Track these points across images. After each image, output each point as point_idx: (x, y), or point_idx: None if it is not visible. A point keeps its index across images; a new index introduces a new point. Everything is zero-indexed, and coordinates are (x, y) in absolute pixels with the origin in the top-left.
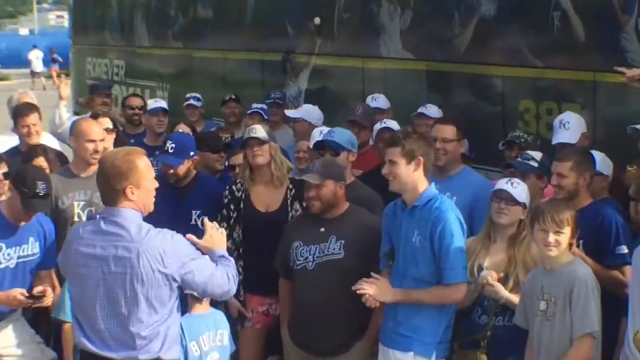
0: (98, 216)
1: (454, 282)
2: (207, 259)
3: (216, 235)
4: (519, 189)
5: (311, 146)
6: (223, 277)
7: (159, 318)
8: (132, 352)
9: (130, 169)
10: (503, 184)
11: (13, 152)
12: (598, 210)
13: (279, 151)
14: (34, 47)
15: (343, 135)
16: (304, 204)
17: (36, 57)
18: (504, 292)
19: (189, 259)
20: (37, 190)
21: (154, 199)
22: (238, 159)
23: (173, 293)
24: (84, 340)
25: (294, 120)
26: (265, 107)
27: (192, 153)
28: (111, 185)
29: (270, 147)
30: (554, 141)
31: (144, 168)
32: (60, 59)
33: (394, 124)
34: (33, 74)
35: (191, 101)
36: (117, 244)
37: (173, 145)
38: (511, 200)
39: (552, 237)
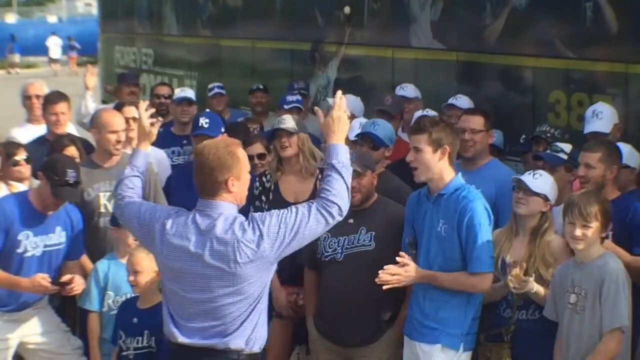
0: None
1: (480, 271)
2: (302, 216)
3: (342, 117)
4: (540, 180)
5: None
6: (322, 222)
7: (253, 307)
8: (224, 339)
9: (234, 160)
10: (525, 175)
11: (40, 141)
12: (628, 203)
13: (308, 142)
14: (53, 34)
15: (386, 129)
16: None
17: (54, 44)
18: (533, 284)
19: (285, 238)
20: (67, 178)
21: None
22: (254, 149)
23: (270, 273)
24: (175, 330)
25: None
26: (300, 98)
27: (222, 130)
28: (213, 177)
29: (299, 139)
30: (586, 130)
31: (244, 159)
32: (78, 46)
33: (433, 114)
34: (51, 60)
35: (216, 90)
36: (212, 237)
37: (207, 120)
38: (529, 191)
39: (578, 231)
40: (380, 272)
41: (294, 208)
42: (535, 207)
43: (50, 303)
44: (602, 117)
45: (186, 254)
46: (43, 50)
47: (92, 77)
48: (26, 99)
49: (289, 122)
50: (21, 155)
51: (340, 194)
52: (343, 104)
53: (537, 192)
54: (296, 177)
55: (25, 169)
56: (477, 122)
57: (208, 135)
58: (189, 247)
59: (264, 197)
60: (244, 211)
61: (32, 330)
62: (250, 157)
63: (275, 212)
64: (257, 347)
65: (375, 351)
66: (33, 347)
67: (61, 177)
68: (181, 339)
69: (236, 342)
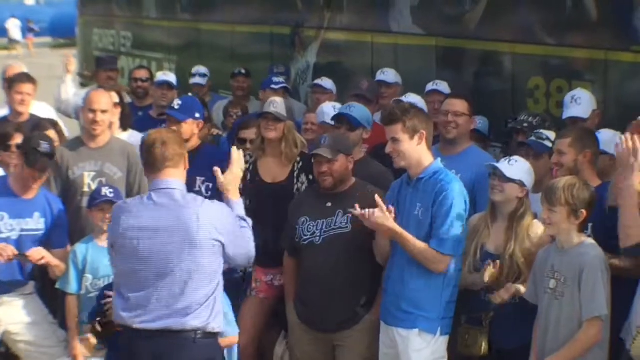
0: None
1: (440, 252)
2: (246, 229)
3: (236, 174)
4: (515, 166)
5: (324, 120)
6: (251, 251)
7: (212, 287)
8: (183, 319)
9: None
10: (501, 161)
11: (2, 121)
12: (604, 192)
13: (293, 130)
14: (12, 16)
15: (362, 111)
16: (311, 177)
17: (14, 26)
18: (514, 289)
19: (235, 228)
20: (40, 148)
21: None
22: (250, 133)
23: (221, 261)
24: (127, 314)
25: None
26: (279, 80)
27: (197, 115)
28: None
29: (285, 126)
30: (565, 116)
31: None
32: (36, 28)
33: (417, 99)
34: (10, 41)
35: (197, 79)
36: (171, 213)
37: (180, 103)
38: (504, 177)
39: (544, 214)
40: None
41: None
42: (511, 193)
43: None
44: (580, 103)
45: (143, 232)
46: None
47: (72, 60)
48: (5, 81)
49: (280, 106)
50: (15, 141)
51: (252, 242)
52: (237, 162)
53: (512, 179)
54: (275, 161)
55: (15, 156)
56: (461, 105)
57: (175, 118)
58: (147, 224)
59: (245, 183)
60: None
61: (17, 318)
62: (244, 140)
63: (231, 212)
64: (215, 327)
65: (354, 336)
66: (17, 337)
67: (35, 148)
68: (135, 323)
69: (193, 322)
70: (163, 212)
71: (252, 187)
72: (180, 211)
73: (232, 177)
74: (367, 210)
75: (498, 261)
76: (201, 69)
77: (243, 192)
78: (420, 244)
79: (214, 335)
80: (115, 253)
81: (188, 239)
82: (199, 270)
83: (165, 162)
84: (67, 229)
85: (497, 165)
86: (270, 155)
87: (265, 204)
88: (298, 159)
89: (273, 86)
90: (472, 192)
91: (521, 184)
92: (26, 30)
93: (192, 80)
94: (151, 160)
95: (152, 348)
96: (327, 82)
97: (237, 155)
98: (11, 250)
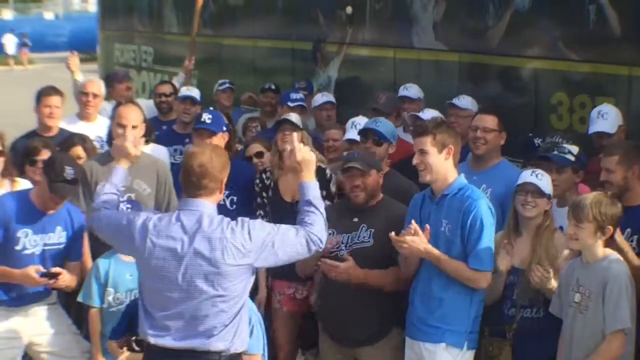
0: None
1: (479, 269)
2: (287, 231)
3: (309, 157)
4: (544, 180)
5: (350, 136)
6: (303, 242)
7: (237, 307)
8: (207, 340)
9: (224, 163)
10: (528, 176)
11: (30, 135)
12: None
13: (309, 140)
14: (11, 30)
15: (387, 126)
16: (324, 193)
17: (10, 41)
18: (553, 281)
19: (268, 248)
20: (65, 175)
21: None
22: (253, 149)
23: (250, 280)
24: (152, 332)
25: (319, 108)
26: (303, 97)
27: (224, 128)
28: (202, 177)
29: (301, 135)
30: (591, 130)
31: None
32: (29, 43)
33: (435, 114)
34: (7, 56)
35: (227, 85)
36: (199, 235)
37: (210, 116)
38: (537, 192)
39: (570, 230)
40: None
41: (283, 226)
42: (542, 208)
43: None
44: (607, 118)
45: (171, 253)
46: (41, 46)
47: (74, 58)
48: (82, 95)
49: (294, 117)
50: (43, 156)
51: (321, 227)
52: (301, 147)
53: (545, 193)
54: (294, 176)
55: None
56: (491, 121)
57: (209, 130)
58: (174, 245)
59: (264, 194)
60: (247, 206)
61: (41, 329)
62: (249, 158)
63: (264, 222)
64: (238, 348)
65: (378, 352)
66: (40, 348)
67: (59, 174)
68: (160, 341)
69: (217, 344)
70: (190, 236)
71: (273, 205)
72: (207, 237)
73: (301, 160)
74: (405, 236)
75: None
76: (227, 80)
77: (264, 209)
78: (458, 265)
79: (238, 356)
80: (141, 268)
81: (213, 265)
82: (224, 294)
83: (200, 190)
84: (83, 242)
85: (531, 181)
86: (289, 172)
87: (286, 222)
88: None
89: (289, 103)
90: (503, 206)
91: (549, 197)
92: (21, 45)
93: (223, 87)
94: (187, 183)
95: None
96: (330, 97)
97: (295, 138)
98: (35, 270)
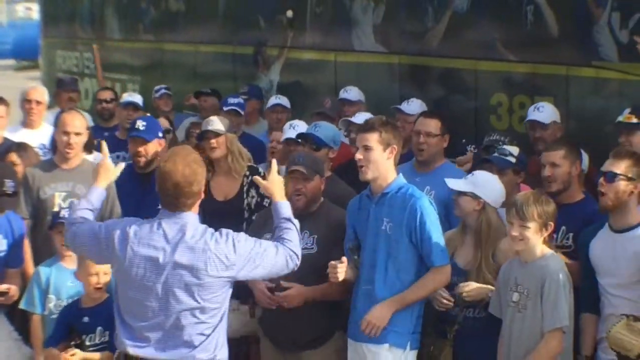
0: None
1: (441, 264)
2: (268, 247)
3: (278, 179)
4: (469, 179)
5: (287, 135)
6: (283, 259)
7: (218, 318)
8: (191, 352)
9: (202, 172)
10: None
11: None
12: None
13: (236, 142)
14: None
15: (327, 130)
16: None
17: None
18: (487, 293)
19: (253, 253)
20: (5, 189)
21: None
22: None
23: (230, 291)
24: (131, 342)
25: (270, 110)
26: (242, 101)
27: (160, 134)
28: (183, 189)
29: (227, 139)
30: (526, 120)
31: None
32: None
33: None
34: None
35: (163, 90)
36: (181, 245)
37: (144, 123)
38: (456, 192)
39: (515, 230)
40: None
41: (264, 242)
42: (466, 206)
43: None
44: (542, 111)
45: (152, 262)
46: None
47: None
48: (26, 102)
49: (216, 123)
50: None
51: (297, 243)
52: (275, 168)
53: (464, 192)
54: (225, 177)
55: None
56: (434, 125)
57: (143, 138)
58: (156, 255)
59: None
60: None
61: None
62: None
63: (248, 236)
64: (221, 357)
65: (324, 354)
66: None
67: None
68: (140, 352)
69: (200, 356)
70: (172, 246)
71: (206, 206)
72: (190, 247)
73: (271, 183)
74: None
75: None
76: (165, 86)
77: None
78: (416, 287)
79: None
80: (120, 277)
81: (195, 276)
82: (204, 306)
83: (179, 207)
84: (24, 249)
85: (447, 181)
86: (220, 173)
87: (219, 221)
88: (247, 173)
89: (224, 107)
90: (447, 208)
91: (473, 195)
92: None
93: (160, 93)
94: (165, 201)
95: None
96: (284, 100)
97: (274, 163)
98: None
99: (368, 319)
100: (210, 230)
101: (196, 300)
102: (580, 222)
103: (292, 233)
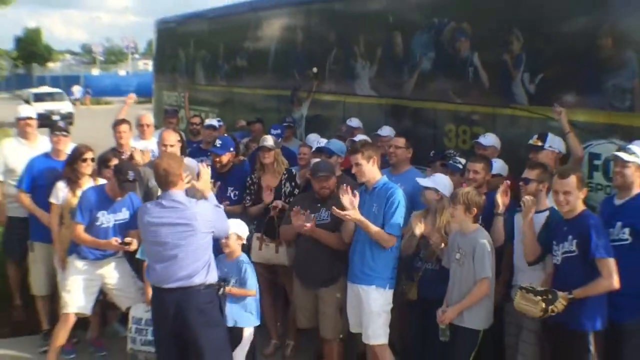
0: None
1: (391, 234)
2: (222, 213)
3: (206, 179)
4: (430, 179)
5: (312, 145)
6: (226, 222)
7: (207, 256)
8: (190, 280)
9: (180, 167)
10: (429, 178)
11: (111, 150)
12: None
13: (280, 155)
14: (76, 84)
15: (336, 145)
16: (293, 184)
17: (77, 90)
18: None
19: (218, 216)
20: (127, 177)
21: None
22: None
23: (211, 238)
24: (155, 279)
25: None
26: (280, 132)
27: (231, 149)
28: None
29: (275, 152)
30: (478, 140)
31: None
32: (90, 92)
33: (365, 137)
34: (74, 100)
35: (213, 122)
36: (177, 212)
37: (220, 142)
38: (424, 188)
39: (451, 211)
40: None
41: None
42: (430, 197)
43: (124, 255)
44: (487, 137)
45: (159, 225)
46: (116, 92)
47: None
48: (140, 124)
49: (269, 141)
50: (113, 163)
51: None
52: (205, 171)
53: (428, 187)
54: (271, 175)
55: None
56: (401, 141)
57: (217, 153)
58: (159, 220)
59: (253, 187)
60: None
61: (112, 274)
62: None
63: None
64: (211, 279)
65: (330, 291)
66: (110, 286)
67: (124, 176)
68: (162, 284)
69: (196, 280)
70: (170, 212)
71: (258, 192)
72: (184, 211)
73: (202, 184)
74: (345, 212)
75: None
76: (217, 119)
77: (250, 196)
78: (377, 228)
79: (212, 286)
80: (143, 239)
81: (190, 229)
82: (197, 249)
83: (168, 184)
84: None
85: (419, 180)
86: (268, 172)
87: (268, 209)
88: (285, 173)
89: (271, 132)
90: (411, 197)
91: (435, 190)
92: (85, 92)
93: (207, 124)
94: (159, 181)
95: (174, 298)
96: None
97: (204, 170)
98: (115, 241)
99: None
100: (193, 200)
101: (191, 247)
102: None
103: (223, 213)
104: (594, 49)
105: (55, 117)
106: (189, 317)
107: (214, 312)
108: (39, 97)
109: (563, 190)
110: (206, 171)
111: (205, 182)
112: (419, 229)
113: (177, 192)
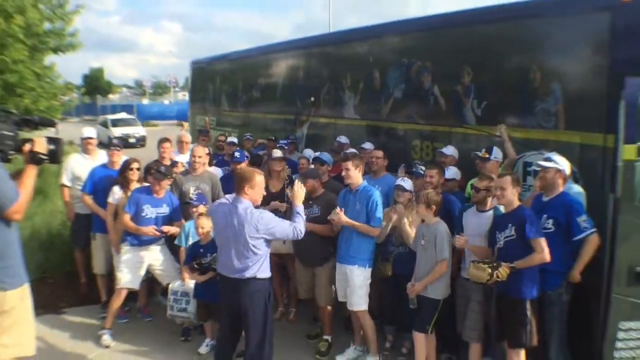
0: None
1: (374, 226)
2: (282, 221)
3: (300, 191)
4: (407, 183)
5: (309, 156)
6: (291, 231)
7: (260, 254)
8: (246, 272)
9: (252, 177)
10: (400, 181)
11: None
12: (448, 197)
13: (285, 164)
14: (126, 111)
15: (326, 156)
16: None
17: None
18: (408, 229)
19: (271, 224)
20: (159, 169)
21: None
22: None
23: (266, 242)
24: (221, 268)
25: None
26: (287, 142)
27: (245, 158)
28: (239, 184)
29: (282, 162)
30: (441, 150)
31: (260, 179)
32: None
33: (354, 151)
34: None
35: (247, 136)
36: (239, 217)
37: (238, 154)
38: (403, 189)
39: (417, 208)
40: (331, 216)
41: (282, 220)
42: (406, 197)
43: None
44: (448, 148)
45: (226, 224)
46: (162, 117)
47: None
48: (180, 142)
49: (278, 154)
50: (158, 168)
51: (302, 225)
52: (300, 186)
53: (407, 189)
54: (277, 180)
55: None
56: (379, 153)
57: (238, 161)
58: (227, 220)
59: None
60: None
61: (155, 257)
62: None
63: (272, 215)
64: (262, 275)
65: (323, 269)
66: (154, 266)
67: (157, 169)
68: (228, 274)
69: (248, 273)
70: (235, 215)
71: (267, 194)
72: (243, 218)
73: (295, 194)
74: (335, 217)
75: (393, 213)
76: (249, 134)
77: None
78: (364, 226)
79: (263, 279)
80: (214, 232)
81: (247, 232)
82: (253, 248)
83: (241, 190)
84: (179, 211)
85: (401, 184)
86: (274, 178)
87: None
88: (287, 179)
89: (279, 144)
90: (387, 197)
91: (410, 192)
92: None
93: (245, 138)
94: (235, 185)
95: (234, 284)
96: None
97: (297, 185)
98: (151, 230)
99: (338, 217)
100: (250, 210)
101: (249, 245)
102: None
103: (300, 219)
104: (526, 81)
105: (132, 140)
106: (242, 300)
107: (260, 300)
108: (116, 123)
109: (499, 186)
110: (301, 186)
111: (298, 194)
112: (391, 221)
113: (243, 199)
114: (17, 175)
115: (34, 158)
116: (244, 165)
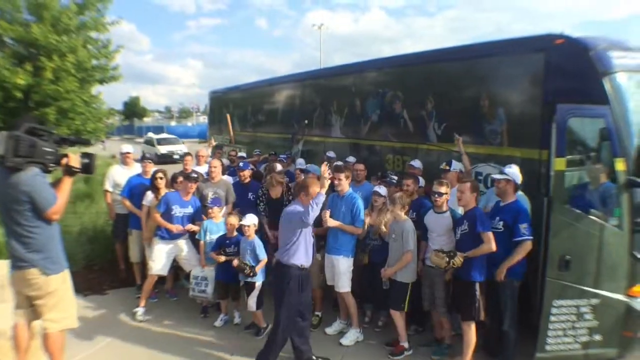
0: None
1: (359, 226)
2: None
3: (327, 179)
4: (382, 189)
5: (300, 167)
6: (309, 216)
7: (295, 239)
8: (284, 258)
9: (308, 185)
10: (377, 188)
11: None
12: (422, 201)
13: (283, 176)
14: (150, 132)
15: (315, 168)
16: (291, 196)
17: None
18: (383, 229)
19: (300, 216)
20: (191, 174)
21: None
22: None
23: (299, 229)
24: (277, 254)
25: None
26: (285, 157)
27: (250, 167)
28: (297, 191)
29: (281, 175)
30: (411, 163)
31: (314, 185)
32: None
33: (340, 163)
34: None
35: (257, 151)
36: (292, 213)
37: (242, 164)
38: (379, 195)
39: (391, 207)
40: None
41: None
42: (382, 201)
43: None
44: (416, 161)
45: (284, 217)
46: (186, 136)
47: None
48: (198, 156)
49: (279, 167)
50: (179, 179)
51: (315, 213)
52: (325, 170)
53: (382, 195)
54: (278, 187)
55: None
56: (361, 166)
57: (242, 169)
58: (286, 215)
59: (264, 197)
60: (256, 196)
61: (181, 250)
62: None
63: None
64: (296, 262)
65: (316, 259)
66: (180, 256)
67: (190, 174)
68: (281, 259)
69: (291, 260)
70: (291, 212)
71: (268, 200)
72: (292, 213)
73: (323, 183)
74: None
75: (371, 212)
76: (258, 150)
77: (265, 202)
78: (351, 227)
79: (299, 266)
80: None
81: (296, 222)
82: (293, 236)
83: (298, 195)
84: (201, 213)
85: (377, 190)
86: (275, 185)
87: (274, 208)
88: (286, 187)
89: (279, 158)
90: (367, 200)
91: (385, 197)
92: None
93: (254, 153)
94: (295, 191)
95: (278, 266)
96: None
97: (325, 170)
98: (177, 228)
99: (326, 219)
100: (293, 205)
101: (292, 231)
102: (418, 206)
103: (315, 208)
104: (478, 107)
105: (176, 157)
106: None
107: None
108: (160, 142)
109: (460, 190)
110: (327, 176)
111: (325, 182)
112: (368, 220)
113: (297, 203)
114: (56, 183)
115: (68, 170)
116: (246, 172)
